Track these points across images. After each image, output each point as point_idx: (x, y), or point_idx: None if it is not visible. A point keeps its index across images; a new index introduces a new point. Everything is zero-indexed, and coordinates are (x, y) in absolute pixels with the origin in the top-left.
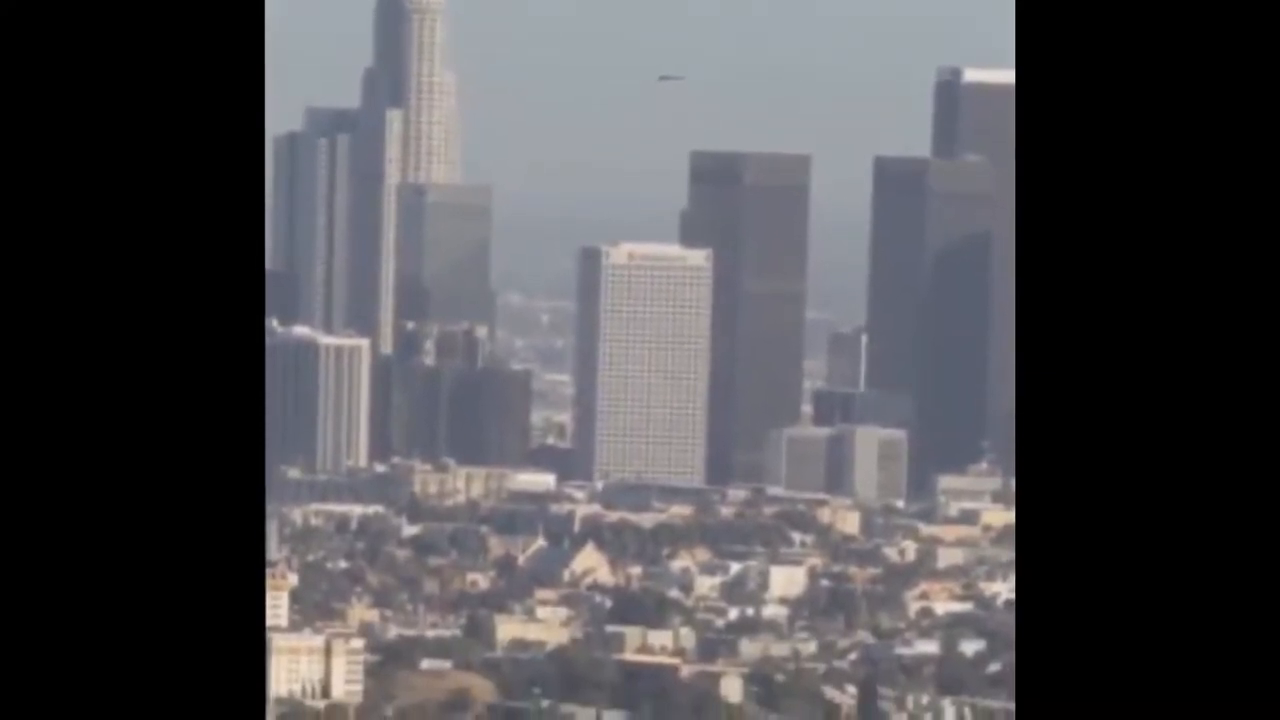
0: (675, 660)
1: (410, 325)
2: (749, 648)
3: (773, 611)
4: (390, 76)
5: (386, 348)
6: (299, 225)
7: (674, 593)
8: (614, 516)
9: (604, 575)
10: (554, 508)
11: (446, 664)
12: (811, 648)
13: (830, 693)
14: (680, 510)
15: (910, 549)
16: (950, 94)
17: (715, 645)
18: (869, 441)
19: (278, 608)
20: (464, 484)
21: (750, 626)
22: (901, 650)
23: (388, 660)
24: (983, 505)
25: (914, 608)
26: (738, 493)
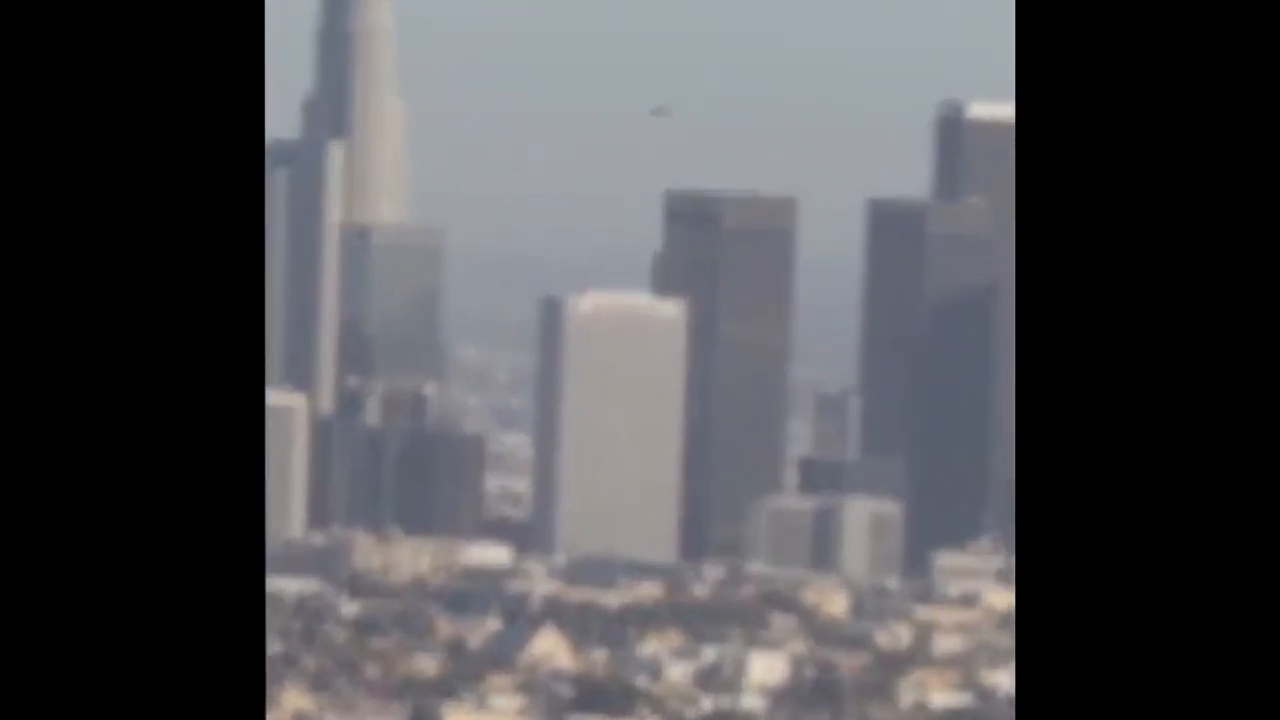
0: None
1: (352, 381)
2: None
3: (751, 702)
4: (332, 104)
5: (326, 406)
6: None
7: (642, 680)
8: (576, 595)
9: (564, 660)
10: (510, 585)
11: None
12: None
13: None
14: (650, 589)
15: (904, 634)
16: (952, 130)
17: None
18: (859, 514)
19: None
20: (410, 558)
21: (726, 718)
22: None
23: None
24: (984, 585)
25: (907, 699)
26: (714, 570)
